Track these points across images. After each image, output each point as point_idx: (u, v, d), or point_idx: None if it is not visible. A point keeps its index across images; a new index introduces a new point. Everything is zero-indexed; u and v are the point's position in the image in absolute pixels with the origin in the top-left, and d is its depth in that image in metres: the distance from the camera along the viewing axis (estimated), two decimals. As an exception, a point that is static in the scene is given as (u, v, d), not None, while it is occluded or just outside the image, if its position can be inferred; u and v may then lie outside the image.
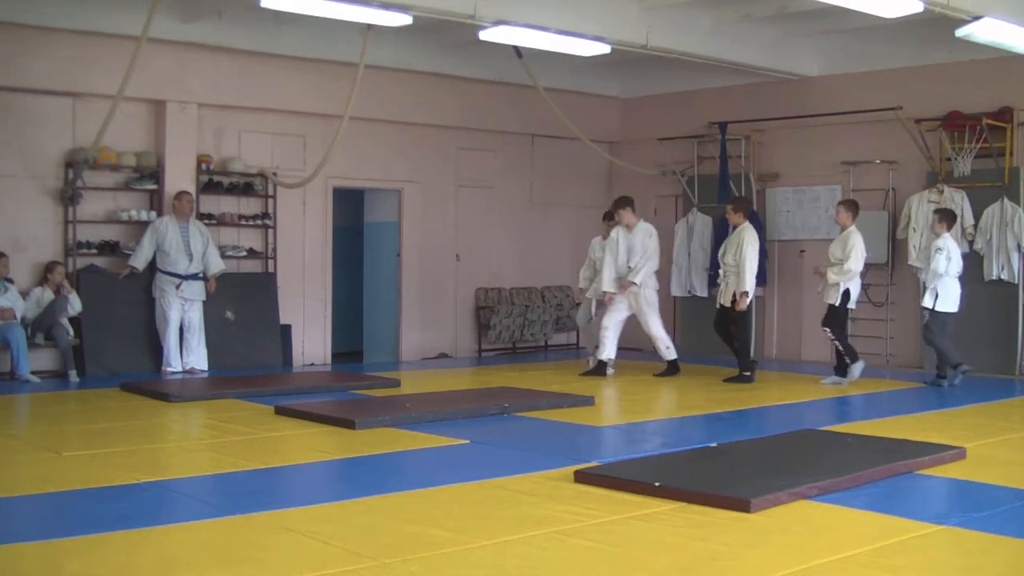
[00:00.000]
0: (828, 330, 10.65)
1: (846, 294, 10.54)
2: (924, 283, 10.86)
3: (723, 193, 13.13)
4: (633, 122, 15.14)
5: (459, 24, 10.03)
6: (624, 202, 11.41)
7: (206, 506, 5.42)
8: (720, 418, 8.79)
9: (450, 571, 4.28)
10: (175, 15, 10.75)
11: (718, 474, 6.09)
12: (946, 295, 10.47)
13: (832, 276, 10.49)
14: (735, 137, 13.69)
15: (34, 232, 10.83)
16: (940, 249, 10.44)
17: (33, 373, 10.28)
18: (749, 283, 10.74)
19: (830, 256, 10.66)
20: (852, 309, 10.80)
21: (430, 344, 13.66)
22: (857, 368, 10.59)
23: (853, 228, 10.61)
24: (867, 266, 12.35)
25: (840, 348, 10.64)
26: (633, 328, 11.73)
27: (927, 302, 10.54)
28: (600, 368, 11.25)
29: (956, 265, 10.52)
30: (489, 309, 13.92)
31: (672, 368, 11.33)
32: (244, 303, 11.96)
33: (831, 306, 10.61)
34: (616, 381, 10.87)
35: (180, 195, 11.19)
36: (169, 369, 11.09)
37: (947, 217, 10.73)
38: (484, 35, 10.21)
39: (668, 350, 11.37)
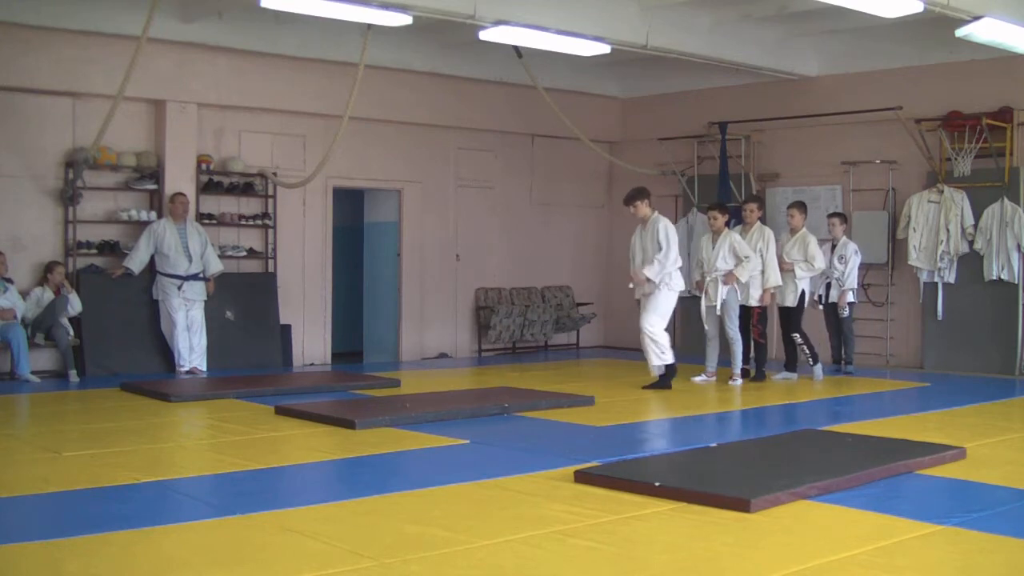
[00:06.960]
0: (797, 335, 10.84)
1: (802, 295, 10.81)
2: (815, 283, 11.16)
3: (723, 193, 13.13)
4: (633, 122, 15.14)
5: (459, 24, 10.03)
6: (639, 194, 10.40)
7: (206, 506, 5.42)
8: (720, 418, 8.80)
9: (450, 571, 4.28)
10: (175, 15, 10.75)
11: (718, 474, 6.09)
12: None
13: (800, 272, 10.74)
14: (735, 137, 13.69)
15: (34, 232, 10.84)
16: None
17: (33, 373, 10.28)
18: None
19: (785, 257, 10.84)
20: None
21: (430, 344, 13.66)
22: (819, 369, 10.94)
23: (806, 230, 10.94)
24: (867, 266, 12.38)
25: (807, 348, 10.83)
26: (632, 329, 11.69)
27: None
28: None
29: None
30: (489, 309, 13.91)
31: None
32: (244, 303, 11.96)
33: (790, 309, 10.82)
34: (616, 382, 10.85)
35: (175, 197, 11.18)
36: (183, 369, 11.09)
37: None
38: (484, 35, 10.21)
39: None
